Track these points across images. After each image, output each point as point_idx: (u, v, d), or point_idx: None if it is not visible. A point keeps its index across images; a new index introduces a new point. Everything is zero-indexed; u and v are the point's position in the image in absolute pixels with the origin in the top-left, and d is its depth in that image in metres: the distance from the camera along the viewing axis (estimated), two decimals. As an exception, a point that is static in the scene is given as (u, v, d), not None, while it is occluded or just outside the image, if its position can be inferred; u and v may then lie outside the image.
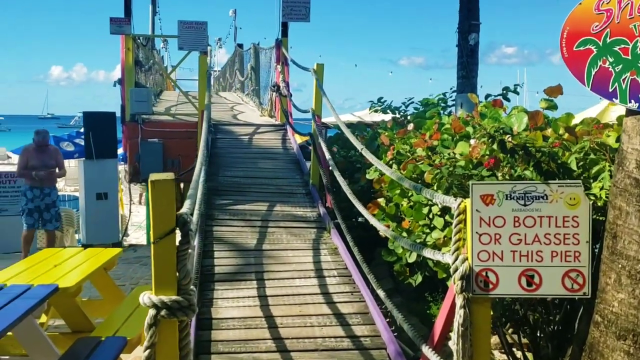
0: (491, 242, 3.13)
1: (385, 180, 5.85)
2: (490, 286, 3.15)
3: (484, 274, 3.14)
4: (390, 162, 6.03)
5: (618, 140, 3.70)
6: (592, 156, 4.06)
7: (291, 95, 10.35)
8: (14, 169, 10.19)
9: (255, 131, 10.51)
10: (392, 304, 4.42)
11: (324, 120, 13.48)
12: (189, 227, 2.97)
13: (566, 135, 4.44)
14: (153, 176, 2.92)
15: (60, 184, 22.32)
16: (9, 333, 3.93)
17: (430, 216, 5.27)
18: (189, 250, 3.26)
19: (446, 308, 3.52)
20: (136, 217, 16.19)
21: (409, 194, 5.54)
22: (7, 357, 4.63)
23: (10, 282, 4.75)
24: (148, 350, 2.82)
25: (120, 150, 13.43)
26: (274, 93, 11.39)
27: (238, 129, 10.61)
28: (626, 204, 3.17)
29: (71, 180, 18.04)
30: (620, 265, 3.19)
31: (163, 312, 2.87)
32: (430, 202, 5.07)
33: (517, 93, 8.02)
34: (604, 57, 3.19)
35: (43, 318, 5.40)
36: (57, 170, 8.97)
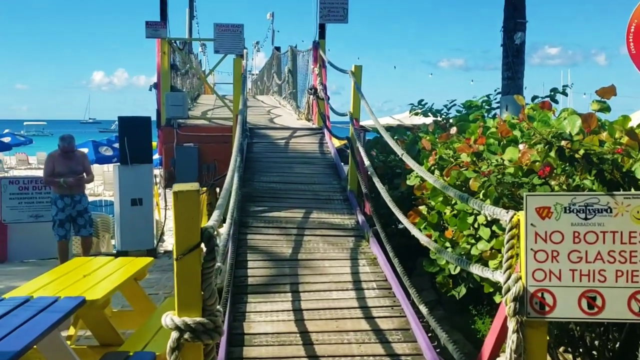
0: (548, 260, 2.83)
1: (427, 187, 5.55)
2: (547, 309, 2.85)
3: (539, 295, 2.84)
4: (432, 168, 5.74)
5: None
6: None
7: (328, 98, 10.10)
8: (37, 174, 10.14)
9: (291, 135, 10.29)
10: (435, 320, 4.13)
11: (362, 123, 13.21)
12: (215, 243, 2.74)
13: (625, 140, 4.08)
14: (176, 187, 2.71)
15: (99, 188, 22.63)
16: (35, 346, 3.76)
17: (476, 226, 4.97)
18: (215, 267, 3.04)
19: (496, 329, 3.22)
20: (172, 223, 16.12)
21: (453, 202, 5.24)
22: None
23: (37, 293, 4.61)
24: (170, 377, 2.61)
25: (156, 156, 13.39)
26: (311, 96, 11.16)
27: (274, 133, 10.40)
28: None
29: (109, 185, 18.13)
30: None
31: (186, 335, 2.66)
32: (475, 211, 4.76)
33: (566, 94, 7.64)
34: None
35: (71, 330, 5.24)
36: (85, 175, 8.74)
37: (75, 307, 4.23)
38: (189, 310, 2.72)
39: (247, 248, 5.95)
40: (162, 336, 4.58)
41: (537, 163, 4.11)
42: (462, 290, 5.69)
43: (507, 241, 2.92)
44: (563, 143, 3.54)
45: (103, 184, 22.36)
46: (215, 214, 3.18)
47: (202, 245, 2.72)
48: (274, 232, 6.35)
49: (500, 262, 4.58)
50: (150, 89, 10.93)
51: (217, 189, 10.16)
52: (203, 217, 12.49)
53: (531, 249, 2.83)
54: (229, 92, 14.53)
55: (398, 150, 5.33)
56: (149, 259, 5.83)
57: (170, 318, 2.71)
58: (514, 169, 4.18)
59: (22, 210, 10.02)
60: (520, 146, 4.62)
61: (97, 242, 10.98)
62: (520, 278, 2.85)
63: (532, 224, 2.82)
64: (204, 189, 10.44)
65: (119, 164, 9.77)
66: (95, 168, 20.50)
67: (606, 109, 4.53)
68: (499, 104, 8.73)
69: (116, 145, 19.15)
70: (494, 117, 7.81)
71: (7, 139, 29.08)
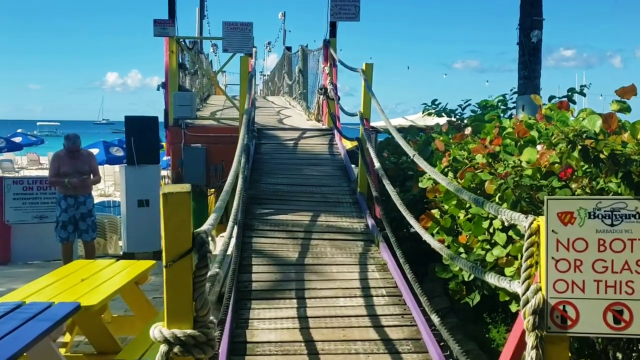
0: (570, 270, 2.59)
1: (440, 189, 5.32)
2: (569, 323, 2.60)
3: (561, 307, 2.60)
4: (446, 169, 5.52)
5: None
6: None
7: (339, 98, 9.87)
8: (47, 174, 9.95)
9: (300, 136, 10.08)
10: (447, 331, 3.89)
11: (374, 124, 12.97)
12: (208, 249, 2.52)
13: (650, 141, 3.83)
14: (166, 188, 2.50)
15: (110, 189, 22.56)
16: (25, 354, 3.58)
17: (491, 230, 4.74)
18: (213, 274, 2.83)
19: (512, 344, 2.97)
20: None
21: (467, 206, 5.01)
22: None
23: (32, 298, 4.45)
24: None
25: (166, 157, 13.24)
26: (321, 96, 10.95)
27: (283, 134, 10.19)
28: None
29: (119, 185, 17.99)
30: None
31: (176, 349, 2.47)
32: (491, 215, 4.52)
33: (584, 94, 7.41)
34: None
35: (67, 337, 5.05)
36: (91, 176, 8.50)
37: (69, 314, 4.06)
38: (179, 321, 2.52)
39: (251, 252, 5.74)
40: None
41: (557, 164, 3.87)
42: (476, 298, 5.47)
43: (526, 249, 2.68)
44: (587, 142, 3.30)
45: (114, 184, 22.27)
46: (211, 218, 2.98)
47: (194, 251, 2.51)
48: (280, 235, 6.14)
49: (518, 269, 4.35)
50: (158, 89, 10.77)
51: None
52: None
53: (552, 258, 2.59)
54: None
55: (409, 151, 5.10)
56: (151, 262, 5.64)
57: (158, 330, 2.51)
58: (532, 171, 3.94)
59: (26, 211, 9.84)
60: (539, 147, 4.39)
61: (104, 244, 10.84)
62: (540, 289, 2.62)
63: (553, 231, 2.58)
64: (212, 190, 10.27)
65: (125, 164, 9.59)
66: (106, 169, 20.44)
67: (626, 109, 4.30)
68: (515, 104, 8.50)
69: (126, 145, 19.07)
70: (510, 117, 7.58)
71: (18, 139, 29.12)
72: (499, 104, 8.05)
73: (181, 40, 10.99)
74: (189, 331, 2.49)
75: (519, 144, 4.91)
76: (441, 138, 6.24)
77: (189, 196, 2.51)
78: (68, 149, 8.39)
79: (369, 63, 7.58)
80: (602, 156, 3.28)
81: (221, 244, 2.71)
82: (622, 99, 4.20)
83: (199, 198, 10.91)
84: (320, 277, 5.30)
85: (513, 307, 4.57)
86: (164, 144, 12.93)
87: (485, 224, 4.68)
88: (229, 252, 4.89)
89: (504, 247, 4.48)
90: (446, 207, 5.33)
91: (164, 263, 2.51)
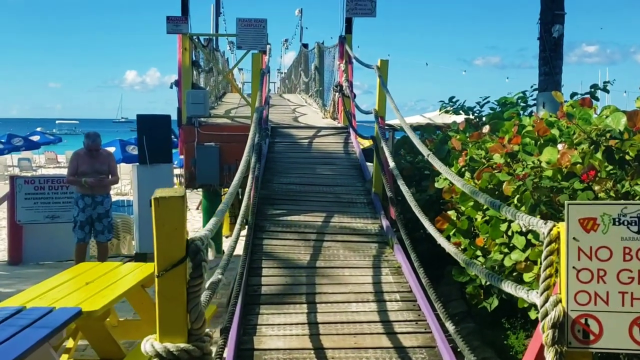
0: (593, 280, 2.41)
1: (457, 190, 5.13)
2: (592, 337, 2.43)
3: (583, 321, 2.42)
4: (463, 169, 5.31)
5: None
6: None
7: (355, 95, 9.68)
8: (65, 172, 9.86)
9: (315, 134, 9.90)
10: (463, 340, 3.69)
11: (391, 122, 12.79)
12: (202, 257, 2.37)
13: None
14: (158, 192, 2.35)
15: (126, 187, 22.54)
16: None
17: (509, 233, 4.53)
18: (214, 280, 2.68)
19: (531, 357, 2.78)
20: (192, 224, 15.77)
21: (484, 207, 4.81)
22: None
23: (33, 302, 4.33)
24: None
25: (181, 157, 13.13)
26: (337, 94, 10.76)
27: (297, 132, 10.02)
28: None
29: (135, 184, 17.93)
30: None
31: (168, 365, 2.29)
32: (509, 217, 4.33)
33: (607, 91, 7.17)
34: None
35: (70, 342, 4.93)
36: (109, 177, 8.37)
37: (69, 320, 3.95)
38: (172, 334, 2.39)
39: (262, 254, 5.58)
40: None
41: (579, 165, 3.66)
42: (494, 302, 5.27)
43: (545, 257, 2.49)
44: (611, 143, 3.09)
45: (130, 183, 22.25)
46: (210, 223, 2.83)
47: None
48: (291, 237, 5.98)
49: (537, 276, 4.15)
50: (172, 87, 10.64)
51: (240, 190, 9.85)
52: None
53: (573, 267, 2.41)
54: (258, 91, 14.22)
55: (424, 150, 4.91)
56: (157, 265, 5.50)
57: (150, 344, 2.37)
58: (552, 172, 3.73)
59: (37, 211, 9.75)
60: (559, 146, 4.18)
61: (117, 244, 10.76)
62: (560, 301, 2.43)
63: (574, 238, 2.40)
64: (226, 190, 10.13)
65: (137, 163, 9.48)
66: (123, 167, 20.42)
67: (653, 106, 4.07)
68: (535, 101, 8.25)
69: (143, 144, 19.03)
70: (530, 114, 7.34)
71: (36, 138, 29.28)
72: (519, 101, 7.81)
73: (195, 37, 10.86)
74: (182, 345, 2.36)
75: (538, 143, 4.70)
76: (458, 137, 6.05)
77: (183, 201, 2.37)
78: (88, 147, 8.28)
79: (384, 60, 7.39)
80: (627, 157, 3.07)
81: (210, 254, 2.56)
82: (647, 96, 3.99)
83: (212, 197, 10.81)
84: (332, 281, 5.14)
85: (532, 314, 4.38)
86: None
87: (504, 227, 4.49)
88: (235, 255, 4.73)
89: (523, 250, 4.28)
90: (463, 208, 5.14)
91: (155, 272, 2.37)
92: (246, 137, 5.53)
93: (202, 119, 10.06)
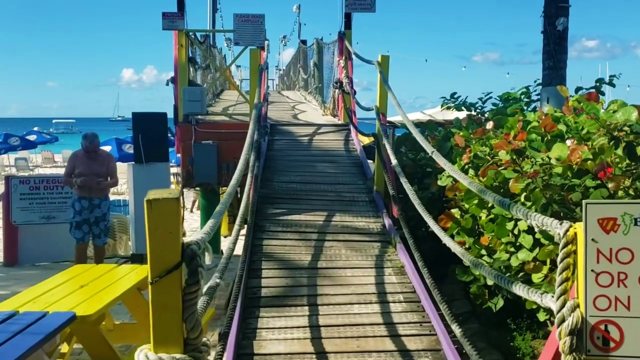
0: (613, 284, 2.27)
1: (461, 188, 4.99)
2: (612, 345, 2.30)
3: (602, 327, 2.29)
4: (466, 166, 5.18)
5: None
6: None
7: (355, 92, 9.54)
8: (62, 172, 9.70)
9: (315, 132, 9.76)
10: (470, 343, 3.56)
11: (391, 119, 12.64)
12: (199, 263, 2.23)
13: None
14: (151, 193, 2.21)
15: (122, 187, 22.31)
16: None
17: (516, 232, 4.39)
18: (207, 287, 2.54)
19: (545, 362, 2.65)
20: (190, 224, 15.60)
21: (489, 205, 4.67)
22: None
23: (26, 306, 4.19)
24: None
25: (179, 155, 12.99)
26: (337, 90, 10.62)
27: (297, 130, 9.89)
28: None
29: (131, 183, 17.73)
30: None
31: (164, 376, 2.16)
32: (516, 216, 4.19)
33: (613, 85, 7.05)
34: None
35: (65, 347, 4.79)
36: (108, 179, 8.18)
37: (63, 325, 3.83)
38: (167, 344, 2.26)
39: (261, 255, 5.45)
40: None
41: (589, 161, 3.53)
42: (500, 302, 5.15)
43: (561, 260, 2.35)
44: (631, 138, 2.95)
45: (127, 182, 22.05)
46: (207, 226, 2.69)
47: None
48: (292, 237, 5.84)
49: (546, 276, 4.01)
50: (167, 84, 10.49)
51: (238, 189, 9.71)
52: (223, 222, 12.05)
53: (592, 271, 2.27)
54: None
55: (427, 147, 4.77)
56: (155, 267, 5.36)
57: (144, 354, 2.24)
58: (562, 169, 3.59)
59: (33, 211, 9.57)
60: (568, 142, 4.04)
61: (113, 245, 10.60)
62: (578, 306, 2.30)
63: (593, 239, 2.26)
64: (224, 188, 9.98)
65: (133, 162, 9.32)
66: (119, 166, 20.21)
67: (662, 99, 3.93)
68: (539, 96, 8.11)
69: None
70: (534, 110, 7.21)
71: (32, 137, 29.11)
72: (522, 96, 7.67)
73: (191, 33, 10.70)
74: (178, 356, 2.23)
75: (545, 139, 4.56)
76: (461, 133, 5.91)
77: (178, 203, 2.23)
78: (85, 148, 8.07)
79: (385, 55, 7.24)
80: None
81: (208, 258, 2.42)
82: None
83: (210, 196, 10.65)
84: (334, 282, 5.01)
85: (541, 316, 4.24)
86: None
87: (510, 225, 4.35)
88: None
89: (530, 250, 4.14)
90: (467, 206, 5.01)
91: (149, 279, 2.23)
92: (245, 135, 5.39)
93: (200, 117, 9.91)
